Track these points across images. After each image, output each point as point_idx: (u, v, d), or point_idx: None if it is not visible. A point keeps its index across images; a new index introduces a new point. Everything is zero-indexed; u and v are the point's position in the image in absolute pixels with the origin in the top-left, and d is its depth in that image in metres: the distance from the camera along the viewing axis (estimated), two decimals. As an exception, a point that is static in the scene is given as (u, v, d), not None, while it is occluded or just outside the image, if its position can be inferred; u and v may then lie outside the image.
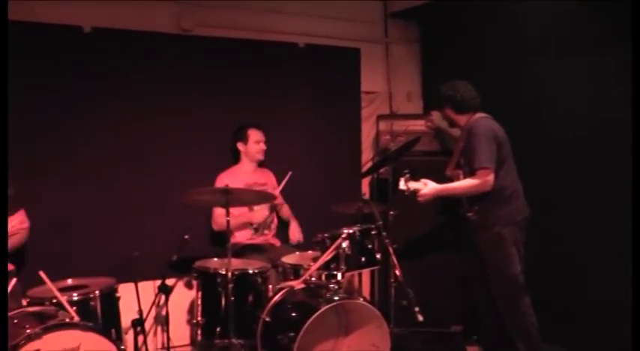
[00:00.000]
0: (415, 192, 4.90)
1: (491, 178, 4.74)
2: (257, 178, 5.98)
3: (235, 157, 6.03)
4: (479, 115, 4.99)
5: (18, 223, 4.72)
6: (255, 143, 5.91)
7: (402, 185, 4.89)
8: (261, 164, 6.09)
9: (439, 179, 5.05)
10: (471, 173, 4.82)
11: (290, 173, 5.68)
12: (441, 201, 5.23)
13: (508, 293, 4.87)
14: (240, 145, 5.93)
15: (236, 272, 4.85)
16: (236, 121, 6.02)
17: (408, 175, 4.91)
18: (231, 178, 5.47)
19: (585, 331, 5.24)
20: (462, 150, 4.97)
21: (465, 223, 5.08)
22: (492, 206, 4.84)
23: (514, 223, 4.85)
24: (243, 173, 5.93)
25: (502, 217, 4.83)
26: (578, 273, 5.33)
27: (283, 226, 6.13)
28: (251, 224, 5.73)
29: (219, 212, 5.60)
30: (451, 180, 5.03)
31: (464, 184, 4.86)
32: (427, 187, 4.91)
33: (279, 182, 5.88)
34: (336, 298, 4.53)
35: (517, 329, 4.88)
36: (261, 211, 5.70)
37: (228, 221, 4.67)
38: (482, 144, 4.76)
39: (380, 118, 6.66)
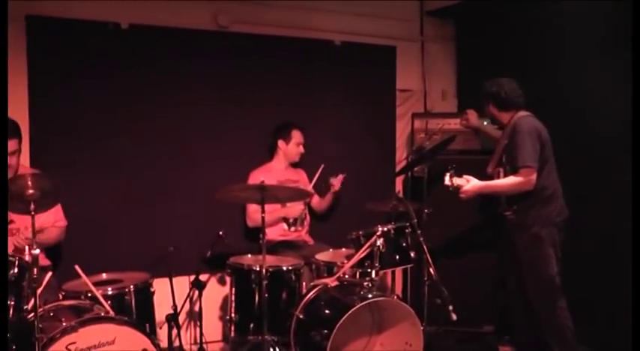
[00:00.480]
0: (458, 188, 4.87)
1: (534, 177, 4.71)
2: (290, 175, 5.99)
3: (270, 153, 6.04)
4: (522, 113, 4.95)
5: (53, 221, 4.76)
6: (295, 145, 5.94)
7: (447, 180, 4.85)
8: (294, 163, 6.11)
9: (477, 177, 5.02)
10: (513, 171, 4.79)
11: (322, 166, 5.73)
12: (480, 199, 5.19)
13: (544, 294, 4.83)
14: (280, 143, 5.94)
15: (270, 269, 4.83)
16: (272, 118, 6.06)
17: (453, 171, 4.88)
18: (265, 175, 5.46)
19: (621, 334, 5.19)
20: (504, 148, 4.93)
21: (503, 222, 5.05)
22: (532, 206, 4.81)
23: (553, 224, 4.82)
24: (277, 170, 5.93)
25: (541, 217, 4.80)
26: (612, 275, 5.28)
27: (316, 224, 6.16)
28: (287, 219, 5.76)
29: (253, 208, 5.62)
30: (491, 178, 5.00)
31: (507, 182, 4.82)
32: (470, 183, 4.87)
33: (311, 180, 5.92)
34: (370, 295, 4.52)
35: (552, 331, 4.84)
36: (296, 206, 5.73)
37: (263, 218, 4.66)
38: (526, 142, 4.72)
39: (415, 116, 6.63)
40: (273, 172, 5.84)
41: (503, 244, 5.19)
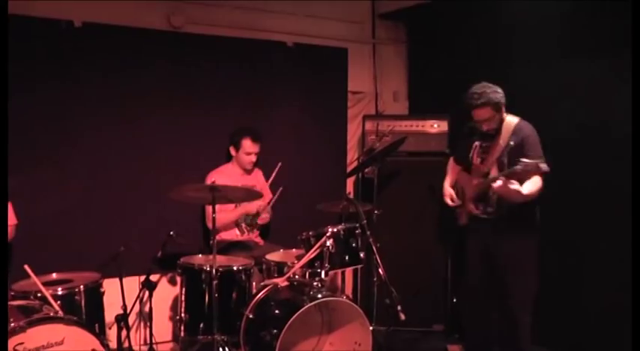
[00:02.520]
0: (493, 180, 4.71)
1: None
2: (246, 180, 5.94)
3: (229, 155, 6.01)
4: (513, 116, 4.91)
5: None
6: (245, 154, 5.84)
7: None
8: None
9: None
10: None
11: (279, 165, 5.84)
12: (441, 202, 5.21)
13: (528, 297, 4.86)
14: (232, 150, 5.89)
15: (220, 269, 4.87)
16: (224, 118, 6.11)
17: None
18: (219, 177, 5.46)
19: (575, 333, 5.33)
20: (507, 149, 4.80)
21: (477, 225, 5.02)
22: (528, 210, 4.77)
23: (539, 230, 4.87)
24: (233, 174, 5.87)
25: (534, 222, 4.85)
26: (572, 276, 5.40)
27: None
28: (239, 225, 5.81)
29: (211, 210, 5.62)
30: (485, 177, 4.88)
31: (535, 187, 4.63)
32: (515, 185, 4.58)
33: (267, 179, 5.96)
34: (319, 295, 4.55)
35: (524, 332, 4.88)
36: (252, 203, 5.73)
37: (214, 218, 4.68)
38: (538, 147, 4.72)
39: (366, 117, 6.69)
40: (229, 175, 5.77)
41: (474, 246, 5.11)
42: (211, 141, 6.09)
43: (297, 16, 6.64)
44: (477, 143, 5.02)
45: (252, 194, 5.37)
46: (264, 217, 5.91)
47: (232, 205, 5.75)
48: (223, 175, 5.68)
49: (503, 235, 4.85)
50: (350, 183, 6.95)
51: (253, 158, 5.89)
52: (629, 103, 4.20)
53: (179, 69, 5.97)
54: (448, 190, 5.26)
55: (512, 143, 4.77)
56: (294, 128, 6.58)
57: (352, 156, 7.06)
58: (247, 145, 5.82)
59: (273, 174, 5.95)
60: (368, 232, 4.68)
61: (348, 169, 6.89)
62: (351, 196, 5.96)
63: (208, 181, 5.65)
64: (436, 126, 6.31)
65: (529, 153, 4.66)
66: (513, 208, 4.75)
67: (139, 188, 5.75)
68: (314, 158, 6.66)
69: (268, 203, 5.90)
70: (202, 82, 6.08)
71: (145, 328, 5.61)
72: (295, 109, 6.62)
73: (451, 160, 5.43)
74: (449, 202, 5.21)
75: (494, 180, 4.61)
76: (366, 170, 6.01)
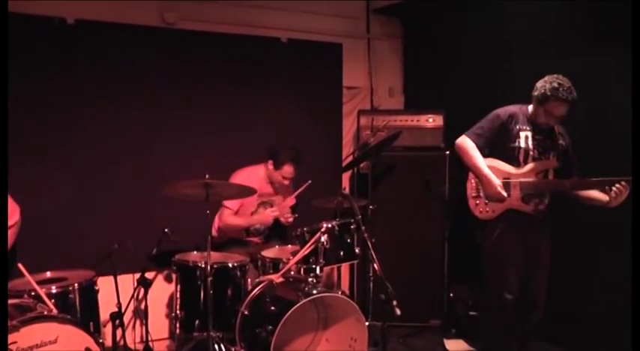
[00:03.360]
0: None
1: None
2: (269, 188, 5.89)
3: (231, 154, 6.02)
4: None
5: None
6: (281, 177, 5.72)
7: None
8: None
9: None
10: (568, 174, 4.68)
11: (309, 183, 5.72)
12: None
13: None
14: (270, 164, 5.73)
15: (215, 266, 4.87)
16: (219, 115, 6.15)
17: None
18: (246, 180, 5.45)
19: (577, 329, 5.36)
20: (559, 147, 4.72)
21: (525, 222, 4.74)
22: (556, 208, 4.74)
23: None
24: (259, 179, 5.78)
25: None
26: (572, 273, 5.39)
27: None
28: (248, 229, 5.84)
29: (228, 212, 5.63)
30: (545, 173, 4.71)
31: None
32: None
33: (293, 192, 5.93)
34: (314, 291, 4.53)
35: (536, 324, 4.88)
36: (267, 214, 5.74)
37: (208, 213, 4.65)
38: None
39: (361, 113, 6.67)
40: (255, 180, 5.66)
41: (515, 245, 4.73)
42: (206, 137, 6.10)
43: (292, 12, 6.64)
44: (527, 134, 4.69)
45: (245, 191, 5.29)
46: (288, 221, 5.90)
47: (251, 210, 5.79)
48: (251, 178, 5.62)
49: (544, 233, 4.76)
50: (345, 178, 6.94)
51: (286, 182, 5.81)
52: (628, 102, 4.19)
53: (173, 66, 5.96)
54: (497, 181, 4.64)
55: (563, 143, 4.73)
56: (289, 124, 6.57)
57: (348, 151, 7.04)
58: (288, 170, 5.69)
59: (300, 189, 5.79)
60: (363, 228, 4.67)
61: (344, 165, 6.88)
62: (347, 191, 5.93)
63: (234, 179, 5.66)
64: (431, 120, 6.30)
65: (574, 155, 4.73)
66: (556, 206, 4.71)
67: (133, 185, 5.75)
68: (309, 154, 6.56)
69: (291, 207, 5.93)
70: (196, 78, 6.08)
71: (140, 325, 5.60)
72: (290, 105, 6.62)
73: (472, 143, 4.76)
74: (503, 193, 4.62)
75: (610, 183, 4.37)
76: (362, 165, 6.00)
